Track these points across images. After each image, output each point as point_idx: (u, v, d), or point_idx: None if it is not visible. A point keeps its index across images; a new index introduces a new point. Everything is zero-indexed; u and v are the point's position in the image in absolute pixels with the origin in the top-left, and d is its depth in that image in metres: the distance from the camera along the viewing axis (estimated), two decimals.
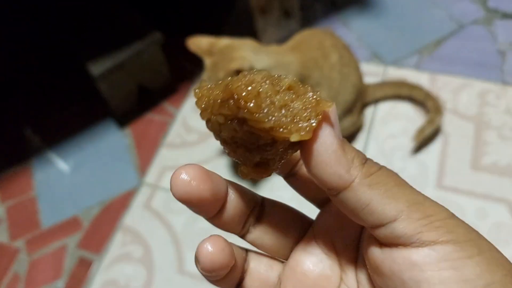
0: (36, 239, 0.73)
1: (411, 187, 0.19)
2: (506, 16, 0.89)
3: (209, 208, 0.21)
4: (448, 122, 0.75)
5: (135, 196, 0.75)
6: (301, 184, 0.24)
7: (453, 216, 0.19)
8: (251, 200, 0.23)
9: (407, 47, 0.86)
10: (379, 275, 0.20)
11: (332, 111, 0.18)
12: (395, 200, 0.18)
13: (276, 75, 0.19)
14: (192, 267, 0.66)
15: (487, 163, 0.70)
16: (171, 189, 0.20)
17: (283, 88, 0.18)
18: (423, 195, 0.19)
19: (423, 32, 0.88)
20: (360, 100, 0.71)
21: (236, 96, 0.18)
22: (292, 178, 0.24)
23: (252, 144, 0.19)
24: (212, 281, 0.22)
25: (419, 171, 0.70)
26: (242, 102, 0.18)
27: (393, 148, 0.73)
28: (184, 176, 0.20)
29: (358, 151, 0.19)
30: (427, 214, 0.18)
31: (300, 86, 0.19)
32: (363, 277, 0.22)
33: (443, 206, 0.19)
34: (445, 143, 0.73)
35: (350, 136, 0.74)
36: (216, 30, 0.74)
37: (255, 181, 0.72)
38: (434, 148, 0.72)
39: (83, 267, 0.69)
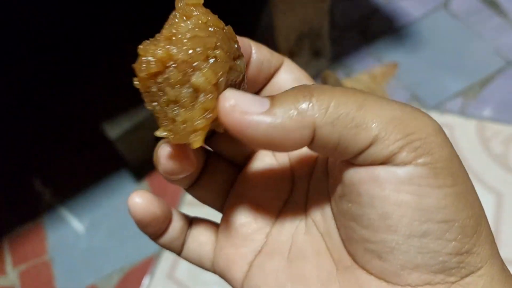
0: None
1: (380, 97, 0.16)
2: None
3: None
4: (501, 180, 0.67)
5: (157, 262, 0.69)
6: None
7: (439, 131, 0.16)
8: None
9: (449, 88, 0.78)
10: (337, 181, 0.18)
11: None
12: (366, 127, 0.16)
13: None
14: None
15: None
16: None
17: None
18: (400, 104, 0.16)
19: (466, 70, 0.80)
20: None
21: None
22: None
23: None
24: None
25: None
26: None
27: None
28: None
29: (291, 92, 0.17)
30: (407, 132, 0.16)
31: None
32: (316, 186, 0.21)
33: (429, 118, 0.16)
34: (498, 205, 0.66)
35: None
36: None
37: None
38: (486, 211, 0.65)
39: None
